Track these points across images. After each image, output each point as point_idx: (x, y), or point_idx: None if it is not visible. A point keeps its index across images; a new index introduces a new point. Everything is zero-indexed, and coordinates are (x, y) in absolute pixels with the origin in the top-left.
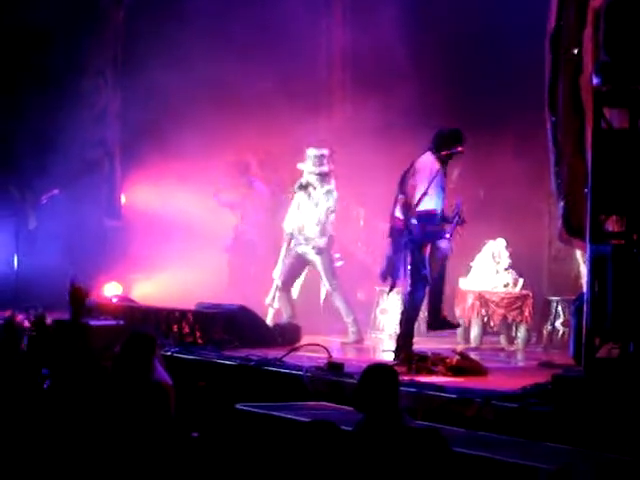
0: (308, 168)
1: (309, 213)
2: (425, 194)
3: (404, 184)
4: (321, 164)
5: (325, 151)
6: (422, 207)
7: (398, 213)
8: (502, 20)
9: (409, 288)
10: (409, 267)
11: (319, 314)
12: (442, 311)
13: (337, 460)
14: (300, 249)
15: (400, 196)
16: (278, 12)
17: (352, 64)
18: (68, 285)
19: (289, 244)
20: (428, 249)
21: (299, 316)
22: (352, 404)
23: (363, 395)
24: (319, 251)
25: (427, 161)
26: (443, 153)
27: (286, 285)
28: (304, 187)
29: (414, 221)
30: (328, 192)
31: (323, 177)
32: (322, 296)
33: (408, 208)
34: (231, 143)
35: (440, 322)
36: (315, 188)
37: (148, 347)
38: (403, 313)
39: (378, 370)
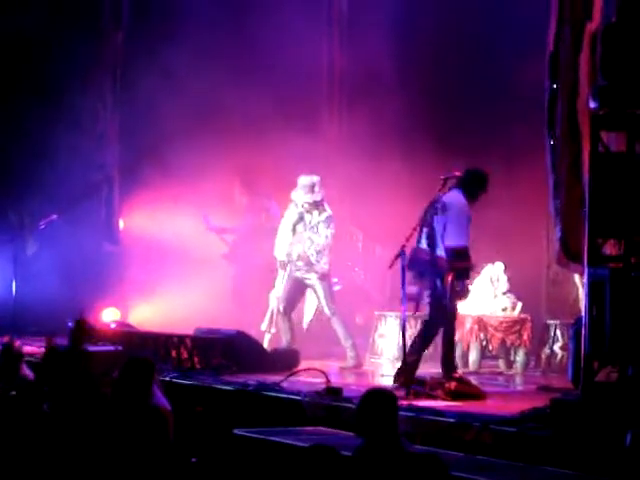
0: (300, 197)
1: (308, 239)
2: (457, 231)
3: (428, 217)
4: (313, 192)
5: (316, 178)
6: (452, 243)
7: (424, 244)
8: (493, 40)
9: (428, 318)
10: (429, 298)
11: (318, 339)
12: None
13: None
14: (299, 274)
15: (425, 229)
16: (273, 35)
17: (346, 86)
18: (77, 317)
19: (285, 270)
20: (449, 283)
21: (298, 341)
22: (353, 429)
23: (362, 420)
24: (321, 277)
25: (459, 201)
26: (474, 199)
27: (286, 310)
28: (298, 212)
29: (442, 254)
30: (328, 218)
31: (317, 204)
32: (306, 320)
33: (434, 241)
34: (228, 166)
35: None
36: (311, 214)
37: (147, 372)
38: (418, 339)
39: (377, 395)
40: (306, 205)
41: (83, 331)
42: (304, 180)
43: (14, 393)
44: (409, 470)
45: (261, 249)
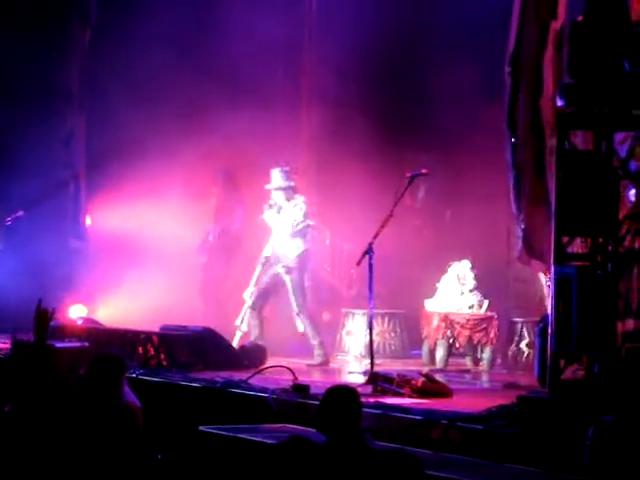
0: (273, 185)
1: (280, 230)
2: None
3: None
4: (285, 179)
5: (287, 167)
6: None
7: None
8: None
9: None
10: None
11: (288, 336)
12: None
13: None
14: (273, 270)
15: None
16: (243, 28)
17: (314, 83)
18: (35, 308)
19: (263, 266)
20: None
21: (268, 338)
22: (316, 426)
23: (325, 416)
24: (288, 270)
25: None
26: None
27: (255, 305)
28: (272, 206)
29: None
30: (295, 205)
31: (288, 192)
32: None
33: None
34: (196, 163)
35: None
36: (283, 205)
37: (116, 369)
38: None
39: (339, 392)
40: (278, 194)
41: (43, 322)
42: (276, 170)
43: None
44: (378, 467)
45: (230, 249)
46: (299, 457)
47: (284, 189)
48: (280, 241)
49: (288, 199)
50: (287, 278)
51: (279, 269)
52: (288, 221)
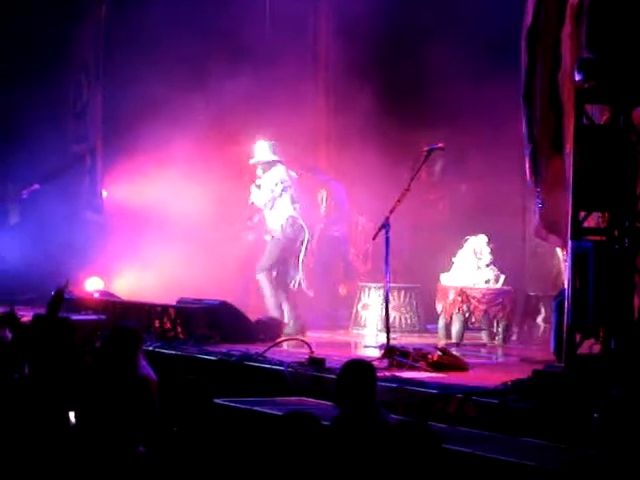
0: (256, 160)
1: (262, 206)
2: None
3: None
4: (270, 153)
5: (270, 142)
6: None
7: None
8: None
9: None
10: None
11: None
12: None
13: (315, 452)
14: None
15: None
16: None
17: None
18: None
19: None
20: None
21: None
22: (333, 400)
23: (341, 390)
24: (272, 237)
25: None
26: None
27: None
28: (259, 186)
29: None
30: (275, 176)
31: (269, 165)
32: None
33: None
34: (216, 138)
35: None
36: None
37: (133, 341)
38: None
39: (356, 365)
40: (260, 169)
41: (60, 297)
42: (260, 143)
43: None
44: (393, 440)
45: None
46: (298, 431)
47: (268, 163)
48: (266, 216)
49: (270, 170)
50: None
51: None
52: (264, 194)
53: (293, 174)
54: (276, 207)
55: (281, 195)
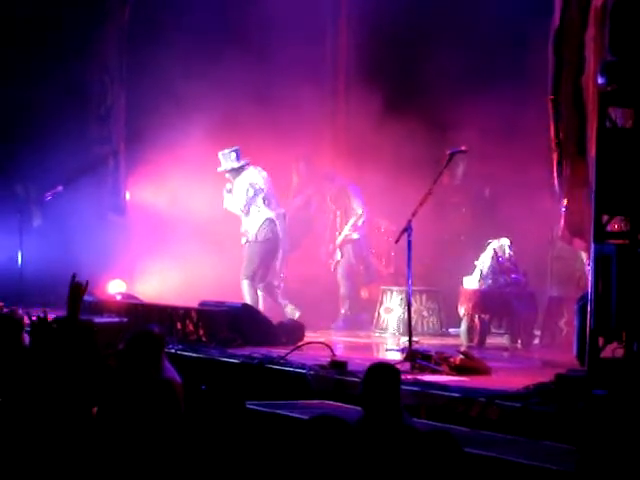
0: (224, 168)
1: (237, 211)
2: None
3: None
4: (237, 160)
5: (233, 149)
6: None
7: None
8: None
9: None
10: None
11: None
12: None
13: (343, 455)
14: None
15: None
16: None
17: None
18: (69, 282)
19: None
20: None
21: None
22: (357, 402)
23: (366, 393)
24: (247, 241)
25: None
26: None
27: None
28: (230, 190)
29: None
30: (241, 179)
31: (237, 172)
32: None
33: None
34: (238, 140)
35: None
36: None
37: (156, 344)
38: None
39: (380, 368)
40: (229, 175)
41: (79, 297)
42: (224, 152)
43: (11, 363)
44: (414, 445)
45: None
46: (327, 435)
47: (236, 170)
48: (243, 221)
49: (238, 177)
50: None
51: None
52: (238, 199)
53: (264, 174)
54: (251, 211)
55: (254, 198)
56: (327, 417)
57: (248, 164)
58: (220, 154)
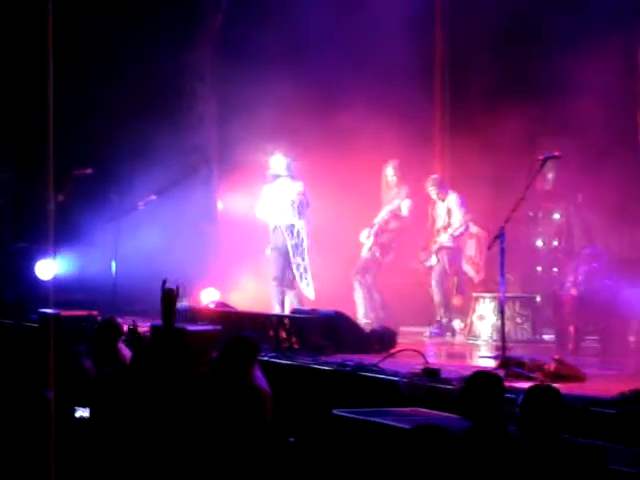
0: (273, 172)
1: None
2: None
3: None
4: (283, 168)
5: (289, 158)
6: None
7: None
8: None
9: None
10: None
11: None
12: None
13: (446, 467)
14: None
15: None
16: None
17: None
18: (161, 290)
19: None
20: None
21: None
22: (452, 410)
23: (469, 402)
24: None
25: None
26: None
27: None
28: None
29: None
30: (288, 191)
31: (285, 181)
32: None
33: None
34: (324, 145)
35: None
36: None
37: (250, 351)
38: None
39: (484, 377)
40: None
41: (169, 303)
42: (277, 157)
43: (108, 372)
44: (573, 462)
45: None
46: (431, 445)
47: (284, 178)
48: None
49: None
50: None
51: None
52: (285, 210)
53: (301, 187)
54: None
55: (296, 211)
56: (431, 427)
57: (292, 176)
58: (273, 158)
